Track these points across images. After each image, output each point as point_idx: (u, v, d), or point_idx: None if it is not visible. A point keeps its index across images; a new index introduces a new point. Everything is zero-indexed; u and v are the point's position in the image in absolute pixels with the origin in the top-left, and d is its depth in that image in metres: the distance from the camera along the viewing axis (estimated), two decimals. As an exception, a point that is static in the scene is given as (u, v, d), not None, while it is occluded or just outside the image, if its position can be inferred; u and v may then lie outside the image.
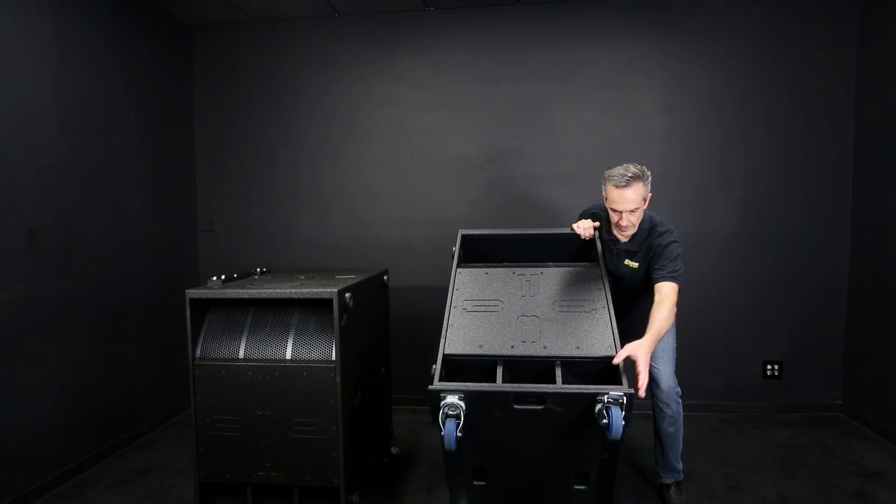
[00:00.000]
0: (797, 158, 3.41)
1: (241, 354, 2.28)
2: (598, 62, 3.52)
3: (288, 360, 2.25)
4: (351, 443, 2.27)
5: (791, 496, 2.49)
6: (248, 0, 3.42)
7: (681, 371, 3.38)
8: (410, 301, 3.69)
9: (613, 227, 2.27)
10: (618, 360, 1.79)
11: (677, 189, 3.49)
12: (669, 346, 2.35)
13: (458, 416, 1.67)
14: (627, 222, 2.16)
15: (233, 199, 3.87)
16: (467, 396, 1.70)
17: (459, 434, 1.66)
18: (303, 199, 3.81)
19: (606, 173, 2.17)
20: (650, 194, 2.18)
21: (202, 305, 2.36)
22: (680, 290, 2.12)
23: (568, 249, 2.41)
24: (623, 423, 1.60)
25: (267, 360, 2.26)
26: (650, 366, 2.13)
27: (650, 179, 2.16)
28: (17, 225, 2.48)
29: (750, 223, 3.46)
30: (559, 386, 1.76)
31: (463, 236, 2.37)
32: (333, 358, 2.20)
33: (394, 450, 2.89)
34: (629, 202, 2.11)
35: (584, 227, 2.26)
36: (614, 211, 2.17)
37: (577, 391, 1.68)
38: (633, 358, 1.81)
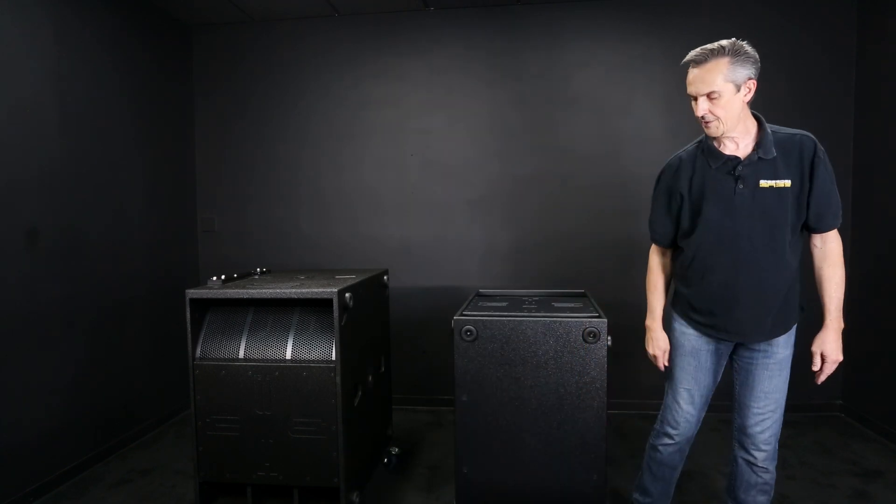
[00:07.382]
0: (797, 158, 3.41)
1: (241, 354, 2.28)
2: (598, 62, 3.52)
3: (288, 360, 2.25)
4: (351, 443, 2.27)
5: (791, 496, 2.49)
6: (247, 0, 3.42)
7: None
8: (410, 301, 3.69)
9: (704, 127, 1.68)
10: (816, 367, 1.71)
11: (677, 189, 3.48)
12: (782, 393, 1.76)
13: (473, 337, 2.07)
14: (704, 111, 1.62)
15: (233, 199, 3.87)
16: (481, 323, 2.10)
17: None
18: (303, 200, 3.81)
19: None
20: (751, 80, 1.59)
21: (202, 305, 2.36)
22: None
23: None
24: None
25: (267, 360, 2.26)
26: (747, 426, 1.79)
27: (750, 60, 1.57)
28: (17, 225, 2.48)
29: (750, 223, 3.45)
30: (552, 314, 2.12)
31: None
32: (333, 358, 2.20)
33: (394, 450, 2.89)
34: (703, 84, 1.60)
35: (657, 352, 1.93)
36: (693, 101, 1.67)
37: (566, 317, 2.05)
38: (824, 357, 1.66)
